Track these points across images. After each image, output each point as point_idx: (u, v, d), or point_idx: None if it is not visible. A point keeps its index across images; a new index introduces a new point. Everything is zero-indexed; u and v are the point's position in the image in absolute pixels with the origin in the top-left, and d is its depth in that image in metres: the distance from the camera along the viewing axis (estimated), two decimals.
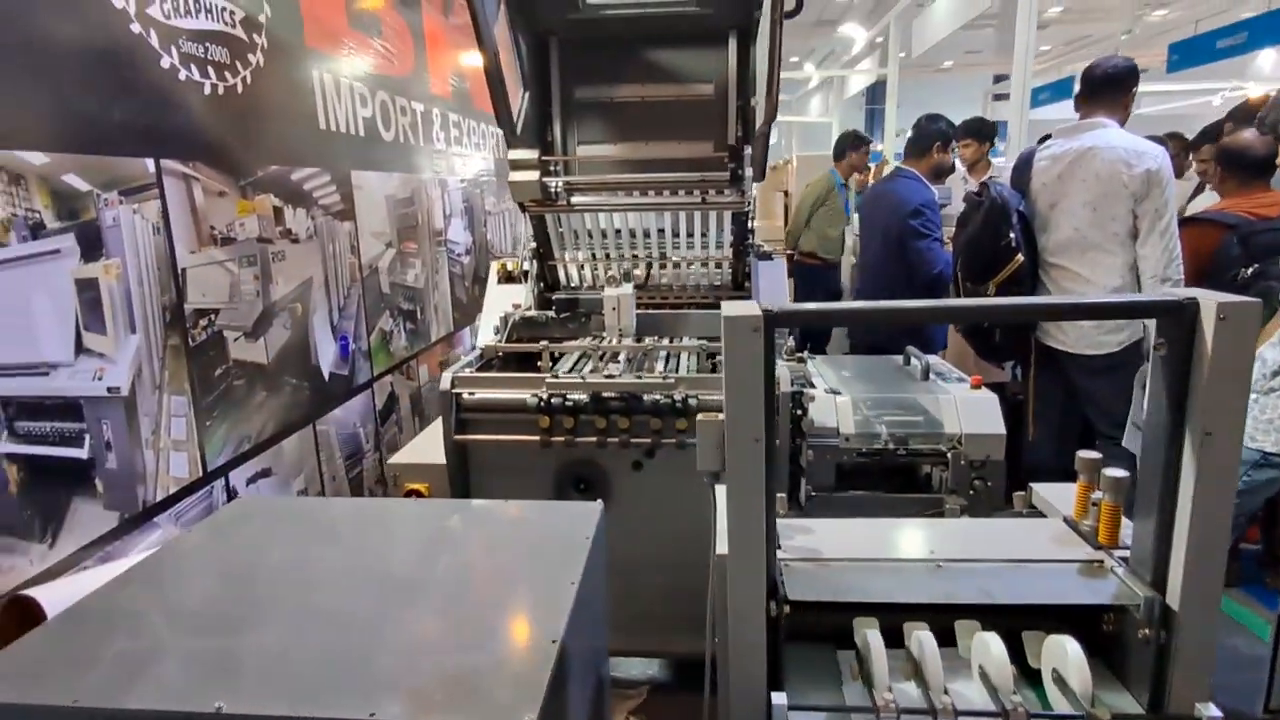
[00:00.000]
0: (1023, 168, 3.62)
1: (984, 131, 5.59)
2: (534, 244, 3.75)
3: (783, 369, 2.61)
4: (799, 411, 2.56)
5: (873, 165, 8.09)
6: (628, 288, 3.06)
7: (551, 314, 3.34)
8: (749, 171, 3.36)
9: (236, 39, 2.58)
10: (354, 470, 3.47)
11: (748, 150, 3.37)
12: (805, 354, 3.27)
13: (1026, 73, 5.93)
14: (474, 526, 1.80)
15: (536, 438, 2.65)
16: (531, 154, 3.39)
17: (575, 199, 3.52)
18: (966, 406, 2.64)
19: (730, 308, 1.31)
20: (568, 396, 2.64)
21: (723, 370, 1.28)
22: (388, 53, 3.92)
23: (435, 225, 4.55)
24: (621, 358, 2.96)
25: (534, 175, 3.39)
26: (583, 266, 3.85)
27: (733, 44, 3.99)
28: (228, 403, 2.51)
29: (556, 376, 2.70)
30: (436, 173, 4.58)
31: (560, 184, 3.49)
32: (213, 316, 2.44)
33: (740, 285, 3.95)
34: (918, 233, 4.20)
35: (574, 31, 3.77)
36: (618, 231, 3.73)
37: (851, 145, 6.52)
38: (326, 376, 3.18)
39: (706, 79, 4.09)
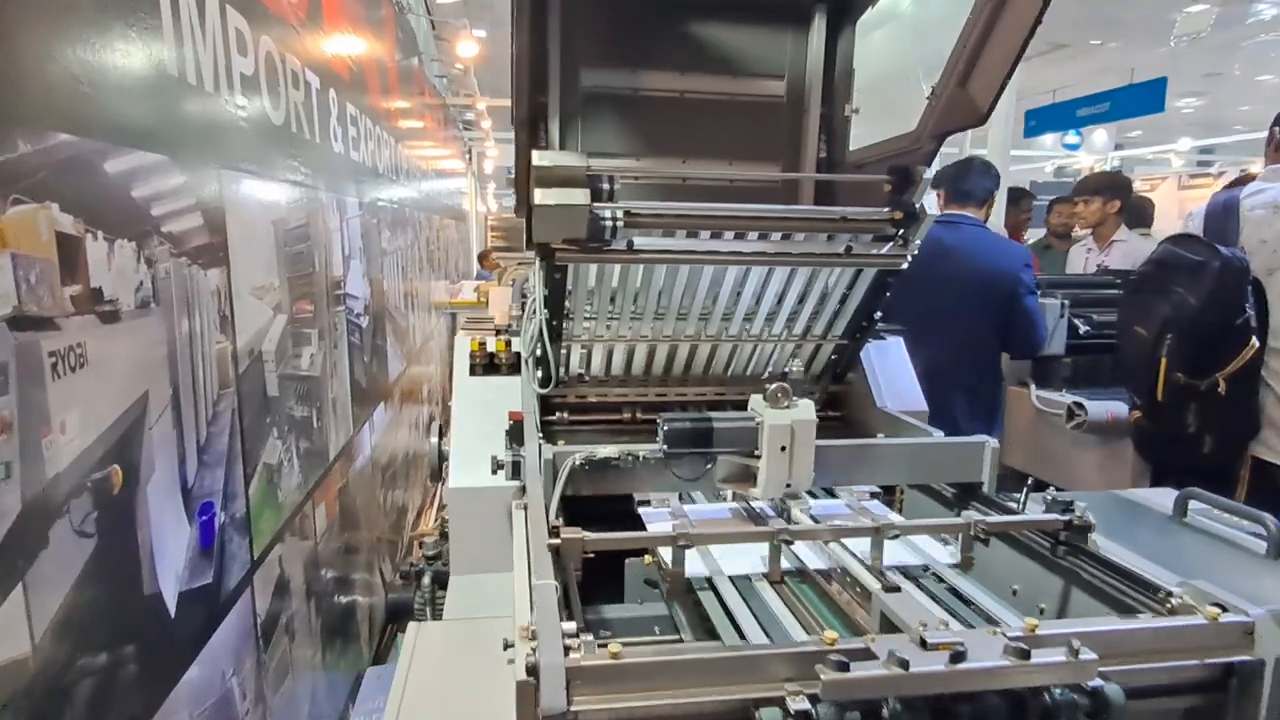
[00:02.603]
0: (1223, 217, 2.66)
1: (1114, 186, 4.69)
2: (545, 313, 2.23)
3: None
4: None
5: None
6: (806, 407, 1.64)
7: (649, 453, 1.80)
8: (928, 207, 2.10)
9: None
10: None
11: (927, 176, 2.10)
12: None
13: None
14: None
15: None
16: (577, 160, 1.92)
17: (640, 240, 2.07)
18: None
19: None
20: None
21: None
22: None
23: (334, 273, 2.85)
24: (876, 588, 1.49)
25: (581, 197, 1.91)
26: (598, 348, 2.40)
27: (820, 26, 2.75)
28: None
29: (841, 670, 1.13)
30: (335, 189, 2.89)
31: (618, 215, 2.02)
32: None
33: (840, 375, 2.65)
34: (1030, 289, 3.17)
35: None
36: (683, 297, 2.31)
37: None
38: (173, 607, 1.45)
39: (774, 73, 2.81)
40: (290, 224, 2.32)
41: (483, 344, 2.39)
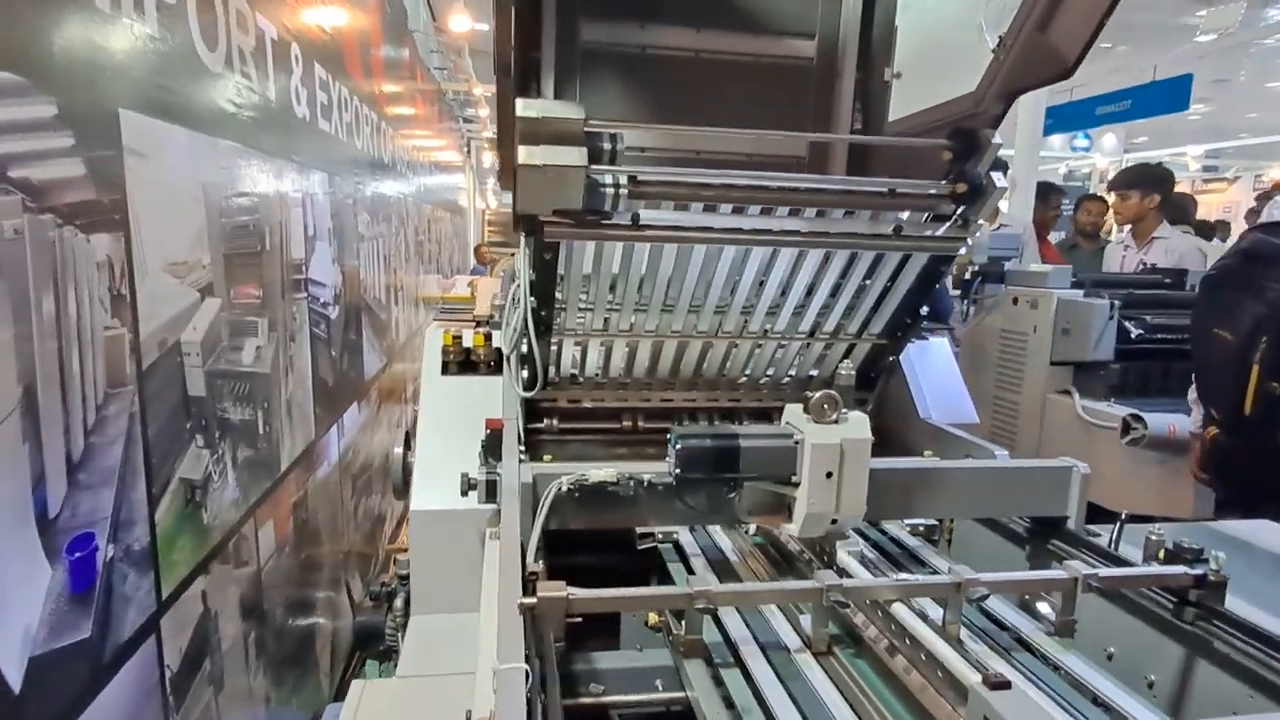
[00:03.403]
0: None
1: (1154, 180, 4.28)
2: (531, 302, 1.86)
3: None
4: None
5: None
6: (859, 422, 1.28)
7: (654, 476, 1.42)
8: (996, 179, 1.74)
9: None
10: None
11: (996, 141, 1.74)
12: None
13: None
14: None
15: None
16: (572, 112, 1.57)
17: (647, 214, 1.70)
18: None
19: None
20: None
21: None
22: None
23: (293, 255, 2.47)
24: None
25: (577, 157, 1.56)
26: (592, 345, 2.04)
27: None
28: None
29: None
30: (297, 159, 2.52)
31: (621, 181, 1.65)
32: None
33: (874, 381, 2.28)
34: None
35: None
36: (696, 285, 1.95)
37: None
38: (17, 679, 1.08)
39: (803, 31, 2.46)
40: (231, 191, 1.94)
41: (458, 338, 2.02)
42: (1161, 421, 2.88)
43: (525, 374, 1.94)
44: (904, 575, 1.27)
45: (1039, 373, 3.55)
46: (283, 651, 2.38)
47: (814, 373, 2.19)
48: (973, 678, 0.93)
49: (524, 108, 1.53)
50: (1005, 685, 0.89)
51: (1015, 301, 3.69)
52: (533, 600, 1.04)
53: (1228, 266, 2.31)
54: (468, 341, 2.05)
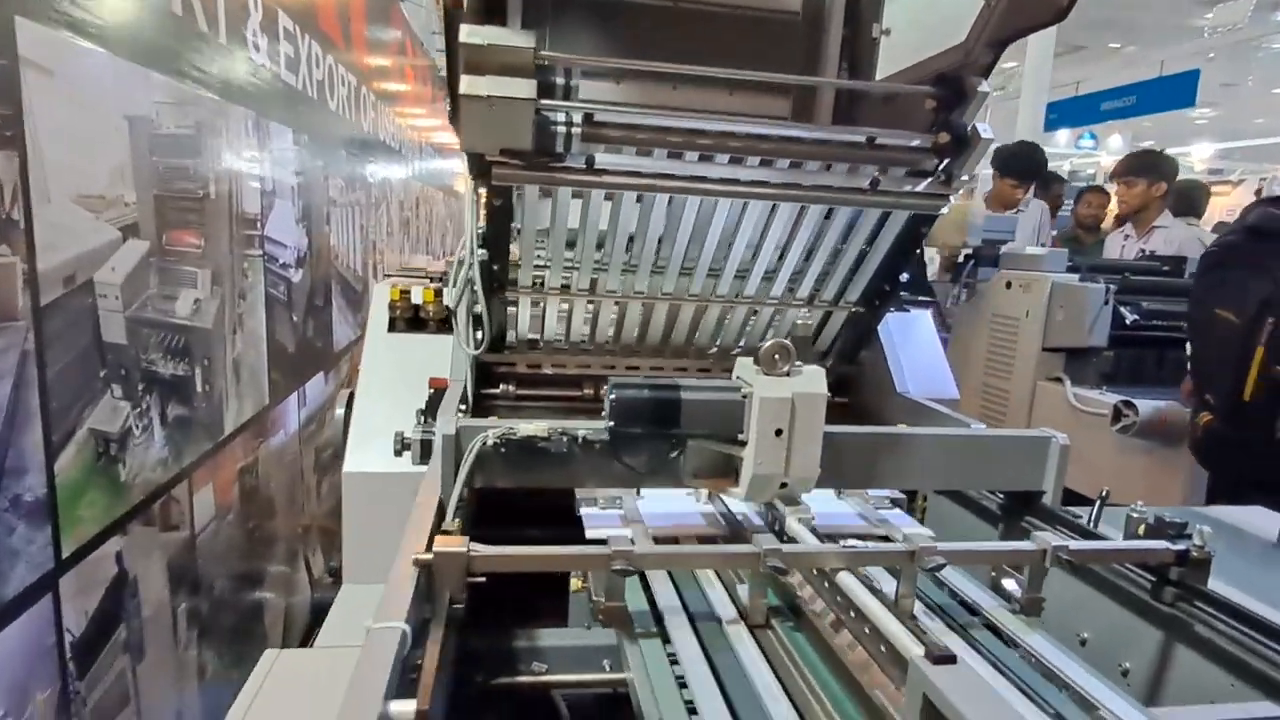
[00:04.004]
0: None
1: (1160, 167, 4.14)
2: (482, 253, 1.75)
3: None
4: None
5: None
6: (814, 375, 1.16)
7: (588, 432, 1.30)
8: (981, 130, 1.62)
9: None
10: None
11: (983, 89, 1.62)
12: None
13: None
14: None
15: None
16: (521, 40, 1.44)
17: (602, 158, 1.58)
18: None
19: None
20: None
21: None
22: None
23: (245, 208, 2.35)
24: None
25: (525, 89, 1.43)
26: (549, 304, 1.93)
27: None
28: None
29: None
30: (254, 107, 2.39)
31: (575, 120, 1.53)
32: None
33: (853, 353, 2.17)
34: None
35: None
36: (660, 243, 1.84)
37: None
38: None
39: None
40: (166, 129, 1.82)
41: (405, 293, 1.90)
42: (1153, 408, 2.76)
43: (475, 333, 1.82)
44: (853, 542, 1.16)
45: (1030, 359, 3.43)
46: (224, 624, 2.26)
47: (796, 322, 2.08)
48: (915, 651, 0.81)
49: (469, 34, 1.41)
50: (949, 659, 0.78)
51: (1008, 285, 3.58)
52: (428, 556, 0.92)
53: (1232, 243, 2.18)
54: (417, 298, 1.93)
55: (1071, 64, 11.83)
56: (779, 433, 1.14)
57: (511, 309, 1.97)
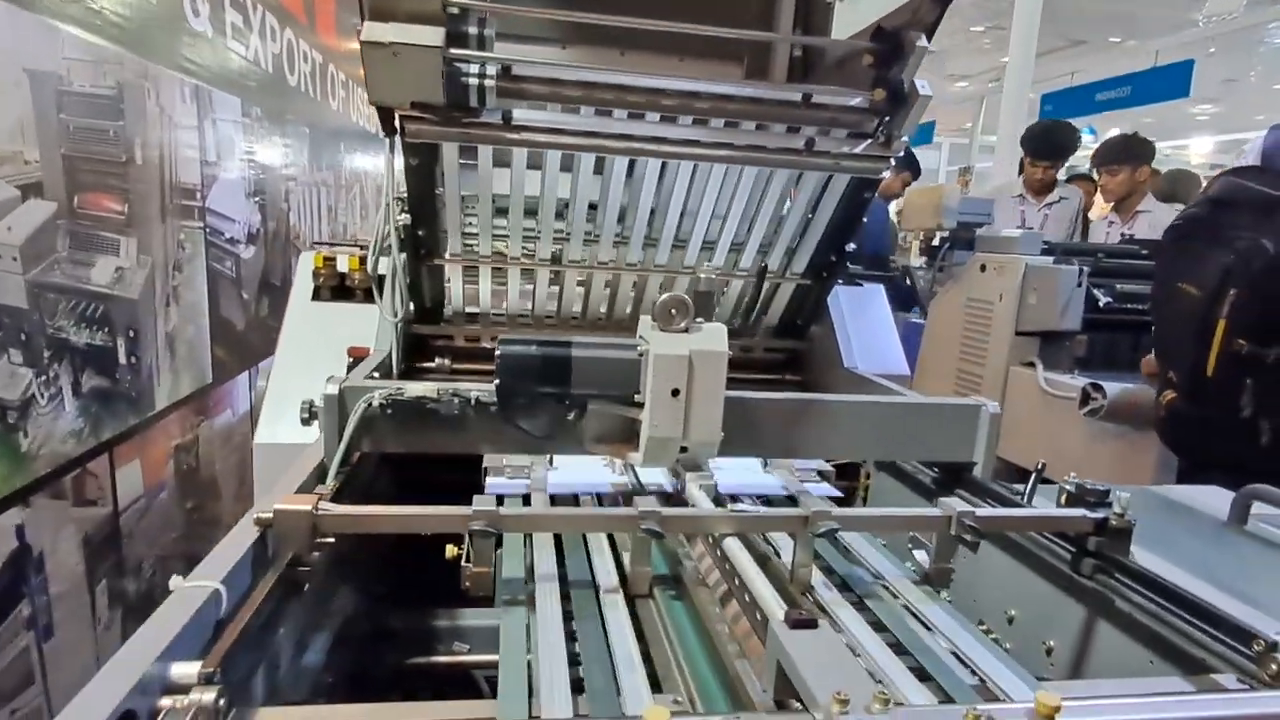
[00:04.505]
0: None
1: (1140, 153, 4.08)
2: (404, 216, 1.68)
3: None
4: None
5: None
6: (715, 333, 1.09)
7: (482, 393, 1.23)
8: (920, 86, 1.55)
9: None
10: None
11: (922, 45, 1.55)
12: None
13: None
14: None
15: None
16: None
17: (522, 115, 1.51)
18: None
19: None
20: None
21: None
22: None
23: (182, 178, 2.28)
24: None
25: (432, 36, 1.36)
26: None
27: None
28: None
29: None
30: (189, 68, 2.32)
31: (488, 72, 1.46)
32: None
33: (802, 328, 2.10)
34: None
35: None
36: (591, 207, 1.77)
37: None
38: None
39: None
40: (79, 88, 1.75)
41: (330, 260, 1.83)
42: (1122, 391, 2.68)
43: (411, 305, 1.75)
44: (742, 507, 1.09)
45: (1004, 343, 3.35)
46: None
47: (701, 273, 2.01)
48: (776, 615, 0.74)
49: None
50: (810, 624, 0.71)
51: (983, 269, 3.49)
52: (268, 514, 0.86)
53: (1195, 215, 2.10)
54: (343, 266, 1.85)
55: (1070, 55, 11.74)
56: (675, 393, 1.07)
57: (447, 282, 1.90)
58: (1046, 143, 4.31)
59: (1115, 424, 2.77)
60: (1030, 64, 4.47)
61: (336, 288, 1.84)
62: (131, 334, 2.00)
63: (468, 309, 1.98)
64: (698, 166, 1.69)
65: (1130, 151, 4.13)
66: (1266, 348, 1.90)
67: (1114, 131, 16.15)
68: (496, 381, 1.09)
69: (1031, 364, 3.25)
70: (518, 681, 0.75)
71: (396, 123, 1.47)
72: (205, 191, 2.46)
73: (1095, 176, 4.75)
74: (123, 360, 1.96)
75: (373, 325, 1.84)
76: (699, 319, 1.10)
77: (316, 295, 1.85)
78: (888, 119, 1.57)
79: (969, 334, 3.58)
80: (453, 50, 1.39)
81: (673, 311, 1.08)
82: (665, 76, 1.57)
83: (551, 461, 1.41)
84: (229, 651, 0.67)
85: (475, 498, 0.93)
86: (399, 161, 1.59)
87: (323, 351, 1.77)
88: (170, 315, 2.22)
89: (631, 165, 1.68)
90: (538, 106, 1.56)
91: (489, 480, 1.32)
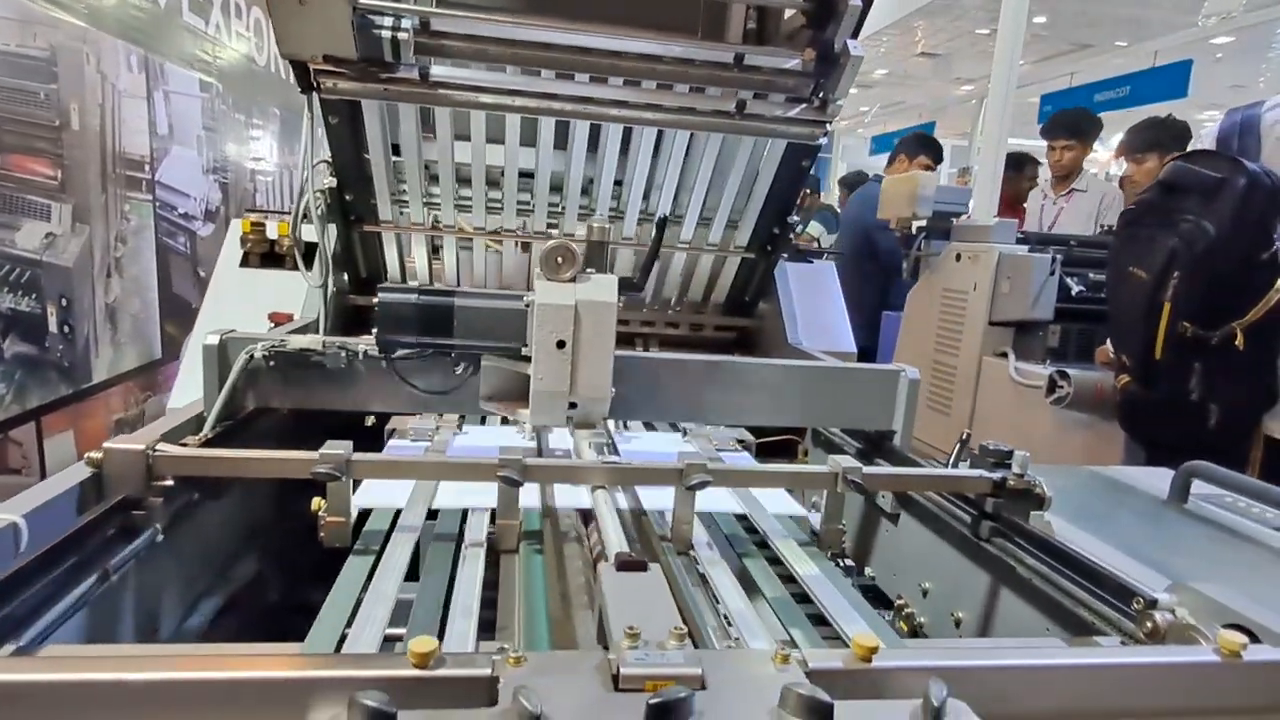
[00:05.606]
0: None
1: (1088, 129, 4.05)
2: (330, 180, 1.64)
3: None
4: None
5: None
6: (604, 284, 1.04)
7: (370, 346, 1.19)
8: (851, 46, 1.50)
9: None
10: None
11: (855, 3, 1.49)
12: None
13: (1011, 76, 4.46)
14: None
15: None
16: None
17: (440, 70, 1.47)
18: None
19: None
20: None
21: None
22: None
23: (127, 148, 2.24)
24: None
25: None
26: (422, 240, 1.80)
27: None
28: None
29: None
30: (138, 43, 2.29)
31: (403, 25, 1.42)
32: None
33: (747, 305, 2.06)
34: None
35: None
36: (523, 175, 1.73)
37: None
38: None
39: None
40: (2, 46, 1.71)
41: (259, 225, 1.79)
42: (1088, 379, 2.63)
43: (325, 269, 1.71)
44: (616, 459, 1.04)
45: (977, 333, 3.30)
46: None
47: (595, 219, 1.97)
48: (610, 559, 0.70)
49: None
50: (638, 566, 0.66)
51: (958, 258, 3.44)
52: (98, 454, 0.81)
53: (1146, 200, 2.06)
54: (273, 232, 1.82)
55: (1073, 59, 11.65)
56: (561, 344, 1.02)
57: (383, 250, 1.86)
58: (1057, 120, 4.24)
59: (1083, 412, 2.72)
60: (1014, 71, 4.38)
61: (266, 254, 1.80)
62: (64, 302, 1.96)
63: (406, 281, 1.94)
64: (629, 131, 1.65)
65: (1160, 138, 3.96)
66: (1210, 330, 1.85)
67: (1120, 136, 16.00)
68: (375, 330, 1.05)
69: (1004, 354, 3.20)
70: (335, 621, 0.71)
71: (312, 78, 1.43)
72: (155, 164, 2.42)
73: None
74: (53, 329, 1.93)
75: (299, 291, 1.80)
76: (589, 269, 1.06)
77: (245, 262, 1.81)
78: (822, 80, 1.53)
79: (944, 325, 3.53)
80: (364, 1, 1.35)
81: (559, 260, 1.03)
82: (592, 34, 1.53)
83: (462, 427, 1.36)
84: (7, 582, 0.63)
85: (328, 442, 0.89)
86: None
87: (248, 319, 1.72)
88: (112, 286, 2.18)
89: (565, 131, 1.65)
90: (462, 65, 1.52)
91: (390, 443, 1.28)
